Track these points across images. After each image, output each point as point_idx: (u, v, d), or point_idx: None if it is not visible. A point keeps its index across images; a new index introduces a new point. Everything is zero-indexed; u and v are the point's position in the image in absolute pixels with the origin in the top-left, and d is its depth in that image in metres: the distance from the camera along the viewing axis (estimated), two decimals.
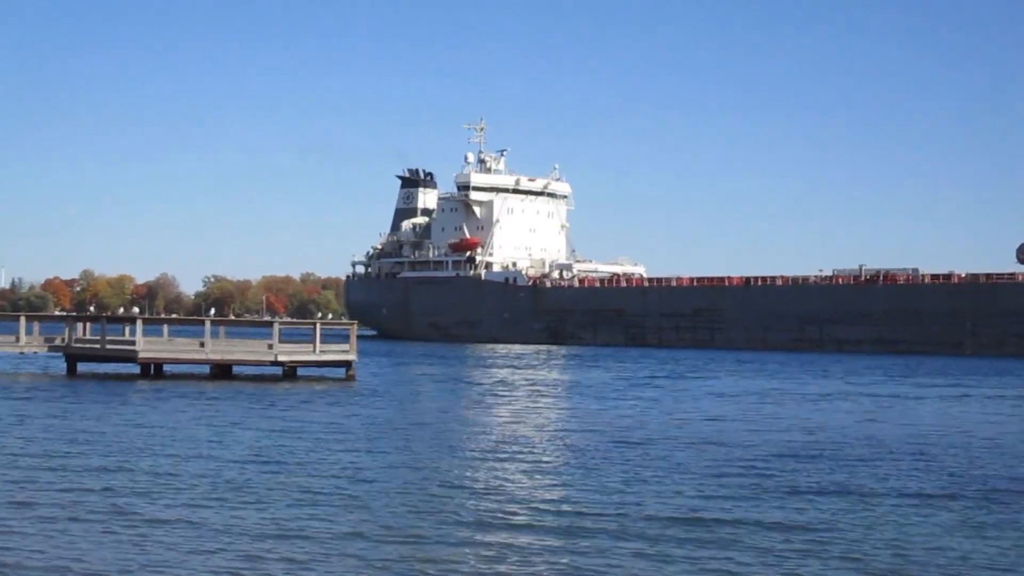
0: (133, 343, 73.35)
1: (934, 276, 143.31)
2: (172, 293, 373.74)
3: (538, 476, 33.60)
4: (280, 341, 75.45)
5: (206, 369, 74.65)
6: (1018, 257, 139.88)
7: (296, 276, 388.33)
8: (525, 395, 66.38)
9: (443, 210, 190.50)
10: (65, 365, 78.14)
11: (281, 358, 73.92)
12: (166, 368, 75.10)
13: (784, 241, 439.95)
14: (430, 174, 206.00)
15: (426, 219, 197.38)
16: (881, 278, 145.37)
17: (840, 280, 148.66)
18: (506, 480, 32.81)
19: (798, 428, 47.81)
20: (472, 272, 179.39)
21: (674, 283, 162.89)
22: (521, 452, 39.02)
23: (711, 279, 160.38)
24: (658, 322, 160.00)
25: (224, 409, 53.09)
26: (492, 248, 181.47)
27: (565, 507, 28.15)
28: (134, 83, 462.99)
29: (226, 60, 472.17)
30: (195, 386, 66.49)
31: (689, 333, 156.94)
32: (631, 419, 50.91)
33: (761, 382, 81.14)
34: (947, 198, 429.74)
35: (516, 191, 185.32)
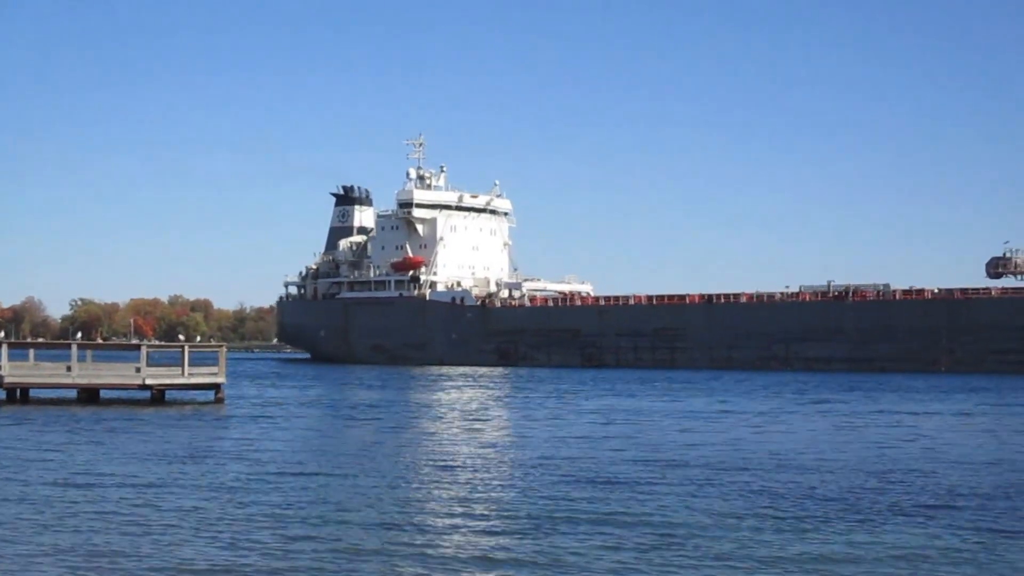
0: None
1: (906, 292, 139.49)
2: (39, 317, 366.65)
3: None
4: (148, 364, 74.74)
5: (73, 393, 73.95)
6: (988, 272, 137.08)
7: (164, 298, 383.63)
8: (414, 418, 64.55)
9: (383, 228, 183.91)
10: None
11: (149, 381, 73.37)
12: (32, 393, 74.00)
13: (745, 258, 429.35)
14: (366, 191, 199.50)
15: (363, 237, 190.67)
16: (850, 294, 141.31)
17: (808, 297, 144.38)
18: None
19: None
20: (416, 292, 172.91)
21: (632, 301, 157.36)
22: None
23: (671, 297, 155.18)
24: (615, 342, 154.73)
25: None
26: (436, 267, 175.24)
27: None
28: (14, 104, 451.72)
29: (105, 59, 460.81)
30: (61, 411, 65.89)
31: (648, 353, 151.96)
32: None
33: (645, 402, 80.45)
34: (915, 213, 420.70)
35: (459, 208, 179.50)
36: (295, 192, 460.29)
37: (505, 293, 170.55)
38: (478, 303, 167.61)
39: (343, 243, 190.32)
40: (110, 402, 73.24)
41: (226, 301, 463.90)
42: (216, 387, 75.97)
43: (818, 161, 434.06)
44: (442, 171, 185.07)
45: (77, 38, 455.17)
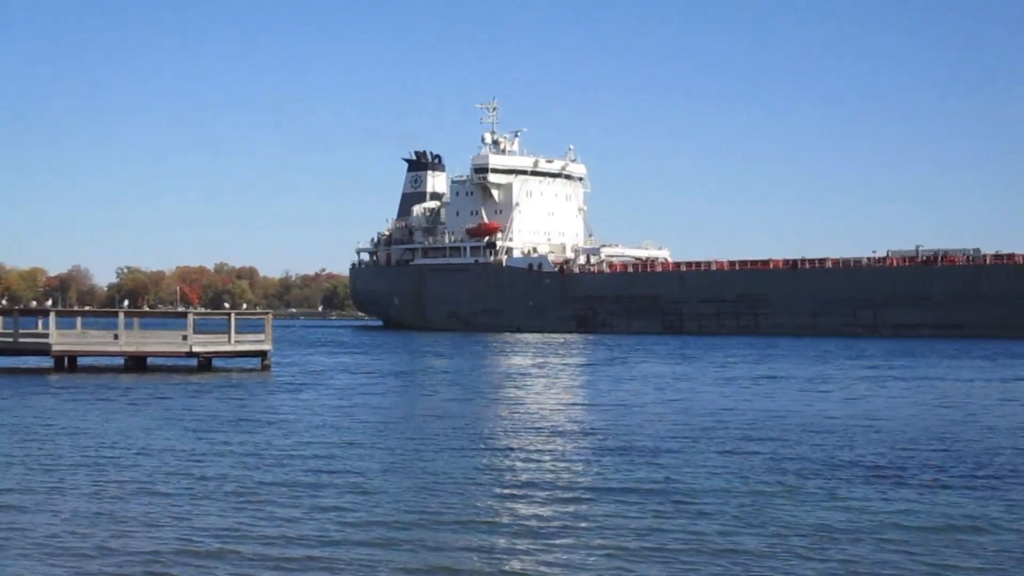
0: (47, 336, 72.62)
1: (996, 256, 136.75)
2: (85, 285, 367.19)
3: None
4: (195, 332, 74.57)
5: (120, 361, 74.25)
6: None
7: (210, 266, 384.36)
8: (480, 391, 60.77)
9: (457, 194, 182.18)
10: None
11: (196, 349, 73.35)
12: (80, 361, 74.27)
13: (829, 223, 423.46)
14: (438, 156, 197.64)
15: (437, 203, 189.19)
16: (939, 259, 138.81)
17: (895, 262, 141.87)
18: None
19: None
20: (492, 258, 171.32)
21: (714, 267, 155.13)
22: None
23: (754, 262, 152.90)
24: (697, 308, 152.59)
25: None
26: (512, 233, 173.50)
27: None
28: (49, 70, 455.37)
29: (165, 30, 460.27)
30: (109, 379, 65.73)
31: (731, 320, 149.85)
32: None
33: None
34: (1006, 176, 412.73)
35: (535, 173, 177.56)
36: (355, 158, 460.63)
37: (583, 259, 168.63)
38: (555, 269, 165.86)
39: (417, 209, 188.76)
40: (157, 369, 73.94)
41: (272, 268, 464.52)
42: (263, 354, 76.05)
43: (906, 123, 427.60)
44: (516, 136, 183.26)
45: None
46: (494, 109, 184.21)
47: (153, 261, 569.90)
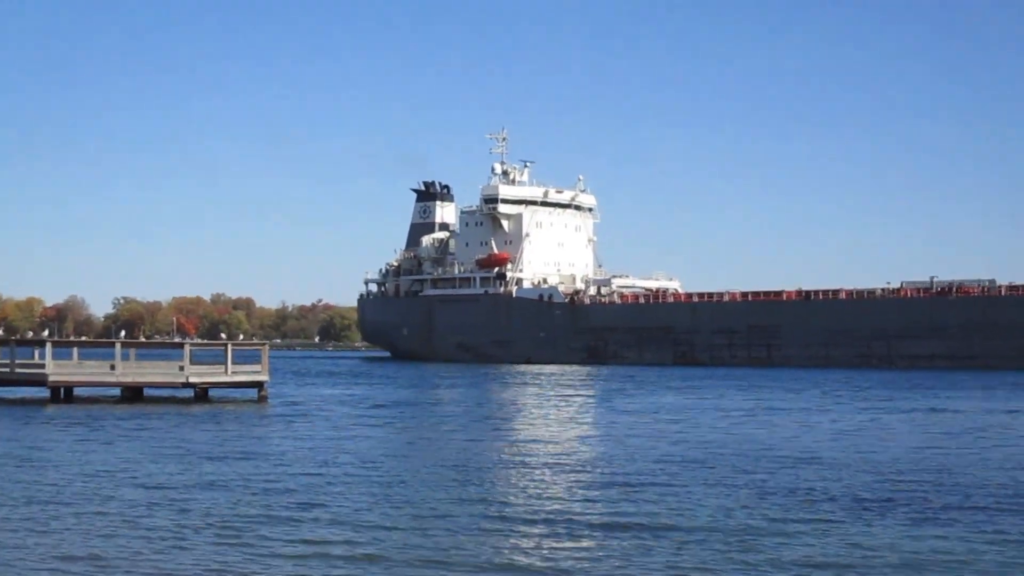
0: (43, 366, 72.22)
1: (1012, 287, 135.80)
2: (82, 315, 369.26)
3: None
4: (191, 362, 74.38)
5: (117, 392, 74.25)
6: None
7: (207, 297, 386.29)
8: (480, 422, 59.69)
9: (467, 224, 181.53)
10: None
11: (193, 379, 73.27)
12: (76, 391, 73.60)
13: (840, 254, 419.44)
14: (447, 187, 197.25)
15: (446, 234, 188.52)
16: (954, 290, 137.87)
17: (909, 293, 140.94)
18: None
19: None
20: (503, 289, 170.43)
21: (726, 298, 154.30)
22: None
23: (766, 293, 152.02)
24: (709, 339, 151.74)
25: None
26: (522, 263, 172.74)
27: None
28: (45, 96, 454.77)
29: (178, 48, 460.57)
30: (105, 409, 65.31)
31: (743, 351, 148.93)
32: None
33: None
34: (1020, 206, 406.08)
35: (545, 203, 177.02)
36: (357, 188, 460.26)
37: (593, 290, 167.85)
38: (566, 300, 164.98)
39: (426, 239, 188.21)
40: (154, 400, 73.50)
41: (269, 299, 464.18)
42: (259, 385, 75.61)
43: (920, 152, 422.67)
44: (526, 166, 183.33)
45: (125, 19, 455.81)
46: (503, 139, 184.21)
47: (149, 292, 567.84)
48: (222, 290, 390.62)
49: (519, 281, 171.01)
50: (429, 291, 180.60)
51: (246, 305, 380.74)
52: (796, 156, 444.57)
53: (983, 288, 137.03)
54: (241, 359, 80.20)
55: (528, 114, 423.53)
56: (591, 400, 79.40)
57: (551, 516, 28.85)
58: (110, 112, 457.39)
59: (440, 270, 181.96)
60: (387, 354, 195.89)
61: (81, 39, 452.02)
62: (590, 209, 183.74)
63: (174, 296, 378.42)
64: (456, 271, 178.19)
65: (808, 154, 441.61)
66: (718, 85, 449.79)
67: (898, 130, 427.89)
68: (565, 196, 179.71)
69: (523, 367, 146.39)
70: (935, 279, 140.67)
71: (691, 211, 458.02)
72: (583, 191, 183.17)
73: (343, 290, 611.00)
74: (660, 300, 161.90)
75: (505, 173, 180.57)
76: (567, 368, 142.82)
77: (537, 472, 38.09)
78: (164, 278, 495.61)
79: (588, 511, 29.68)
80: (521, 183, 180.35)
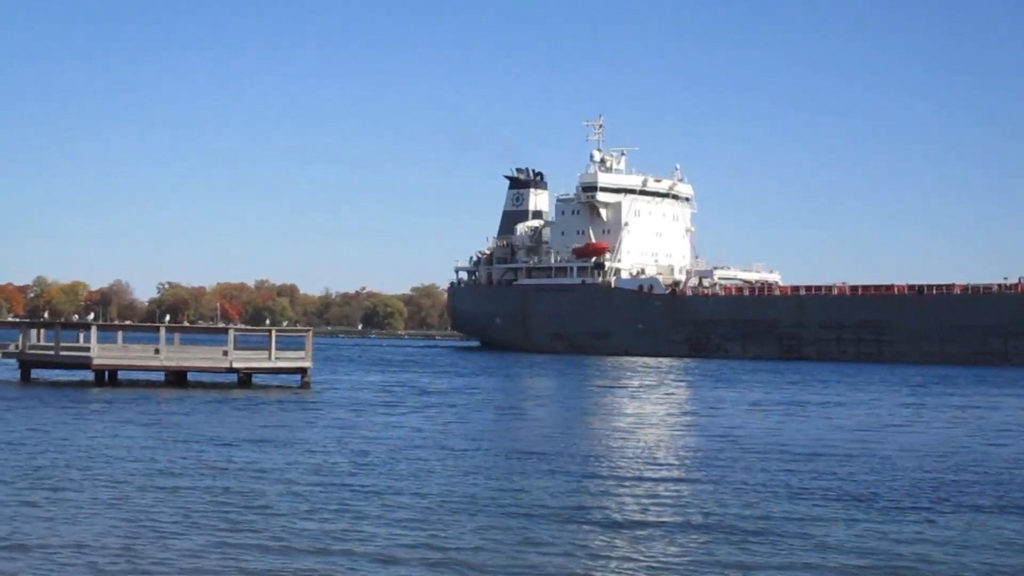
0: (88, 350, 73.05)
1: None
2: (126, 300, 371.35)
3: None
4: (235, 348, 75.05)
5: (161, 376, 74.59)
6: None
7: (251, 283, 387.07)
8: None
9: (563, 212, 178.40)
10: (19, 372, 77.94)
11: (236, 365, 73.63)
12: (120, 375, 75.40)
13: (953, 248, 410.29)
14: (540, 174, 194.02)
15: (540, 222, 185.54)
16: None
17: None
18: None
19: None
20: (601, 279, 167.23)
21: (835, 291, 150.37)
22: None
23: (877, 287, 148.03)
24: (817, 334, 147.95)
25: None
26: (621, 253, 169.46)
27: None
28: (95, 87, 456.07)
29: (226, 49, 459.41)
30: (149, 393, 66.67)
31: (853, 346, 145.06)
32: None
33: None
34: None
35: (643, 192, 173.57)
36: (406, 175, 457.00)
37: (694, 281, 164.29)
38: (667, 291, 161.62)
39: (520, 227, 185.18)
40: (197, 385, 73.85)
41: (312, 286, 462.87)
42: (303, 371, 76.09)
43: None
44: (623, 154, 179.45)
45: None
46: (600, 126, 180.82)
47: (194, 277, 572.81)
48: (266, 276, 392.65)
49: (617, 271, 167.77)
50: (523, 280, 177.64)
51: (290, 292, 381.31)
52: (904, 145, 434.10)
53: None
54: (286, 345, 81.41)
55: (624, 101, 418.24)
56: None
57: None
58: (159, 95, 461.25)
59: (535, 259, 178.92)
60: (477, 343, 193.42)
61: (130, 16, 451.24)
62: (687, 199, 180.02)
63: (218, 282, 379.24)
64: (552, 260, 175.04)
65: (918, 143, 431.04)
66: (819, 72, 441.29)
67: (1014, 116, 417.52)
68: (663, 185, 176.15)
69: (621, 359, 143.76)
70: None
71: (791, 202, 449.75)
72: (681, 180, 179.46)
73: (388, 278, 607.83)
74: (765, 293, 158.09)
75: (602, 161, 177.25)
76: (667, 361, 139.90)
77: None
78: (208, 264, 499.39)
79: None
80: (618, 171, 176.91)
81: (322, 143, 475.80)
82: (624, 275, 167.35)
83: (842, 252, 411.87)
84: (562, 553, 23.93)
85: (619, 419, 57.47)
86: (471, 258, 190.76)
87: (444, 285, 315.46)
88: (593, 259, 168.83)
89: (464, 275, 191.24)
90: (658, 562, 23.31)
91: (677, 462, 39.23)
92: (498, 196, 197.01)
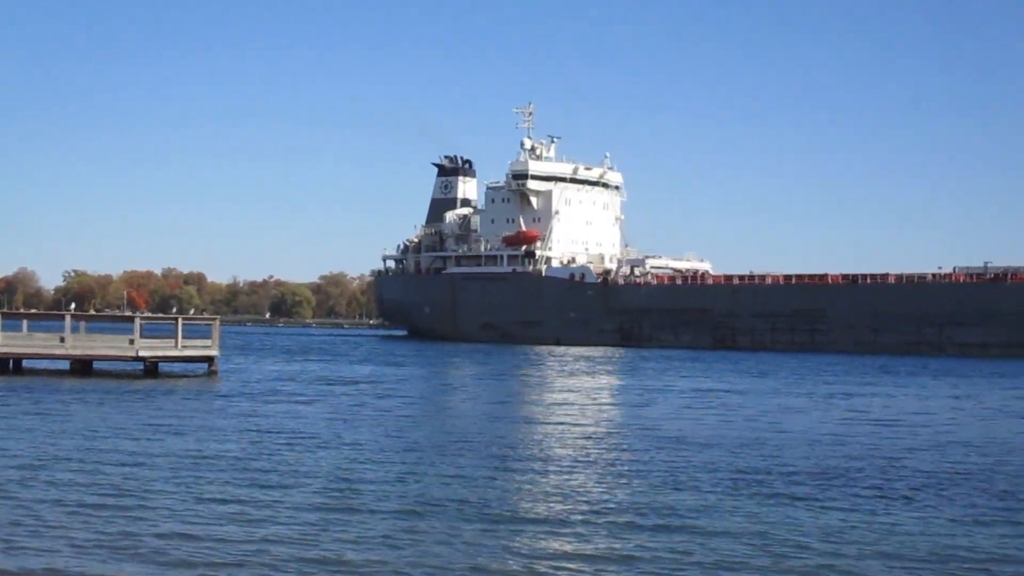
0: None
1: None
2: (31, 288, 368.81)
3: None
4: (142, 336, 74.73)
5: (66, 364, 74.07)
6: None
7: (158, 271, 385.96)
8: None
9: (492, 200, 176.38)
10: None
11: (143, 353, 73.55)
12: (25, 363, 75.00)
13: (886, 239, 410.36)
14: (468, 161, 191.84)
15: (469, 210, 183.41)
16: (1009, 276, 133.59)
17: (962, 278, 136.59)
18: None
19: None
20: (531, 268, 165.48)
21: (768, 280, 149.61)
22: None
23: (811, 276, 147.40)
24: (750, 323, 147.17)
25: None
26: (551, 242, 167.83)
27: None
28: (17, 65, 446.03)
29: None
30: (53, 382, 66.00)
31: (786, 336, 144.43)
32: None
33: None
34: None
35: (573, 180, 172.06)
36: (306, 165, 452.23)
37: (626, 270, 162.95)
38: (598, 280, 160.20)
39: (449, 215, 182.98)
40: (103, 374, 73.33)
41: (220, 274, 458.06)
42: (209, 360, 76.53)
43: (973, 133, 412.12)
44: (552, 142, 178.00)
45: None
46: (530, 114, 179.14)
47: (101, 265, 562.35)
48: (173, 264, 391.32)
49: (548, 260, 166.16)
50: (453, 268, 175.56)
51: (197, 280, 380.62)
52: (837, 134, 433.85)
53: None
54: (193, 334, 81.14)
55: (553, 89, 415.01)
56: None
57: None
58: (70, 81, 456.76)
59: (464, 247, 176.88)
60: (403, 332, 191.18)
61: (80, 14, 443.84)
62: (617, 187, 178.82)
63: (125, 270, 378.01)
64: (482, 248, 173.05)
65: (851, 132, 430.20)
66: (748, 58, 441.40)
67: (948, 110, 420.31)
68: (594, 173, 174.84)
69: (552, 348, 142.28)
70: (989, 264, 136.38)
71: (721, 191, 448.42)
72: (610, 168, 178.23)
73: (296, 267, 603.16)
74: (698, 282, 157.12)
75: (532, 149, 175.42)
76: (598, 350, 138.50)
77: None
78: (115, 252, 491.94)
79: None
80: (548, 159, 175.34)
81: (238, 132, 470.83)
82: (555, 264, 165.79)
83: (774, 242, 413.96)
84: (440, 542, 23.79)
85: (525, 407, 57.57)
86: (398, 246, 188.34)
87: (354, 274, 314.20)
88: (524, 247, 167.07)
89: (391, 264, 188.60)
90: (539, 552, 23.13)
91: (573, 452, 38.73)
92: (424, 184, 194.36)
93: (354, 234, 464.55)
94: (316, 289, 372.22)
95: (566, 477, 32.82)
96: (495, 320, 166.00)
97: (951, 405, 60.73)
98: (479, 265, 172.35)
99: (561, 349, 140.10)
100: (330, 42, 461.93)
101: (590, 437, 42.96)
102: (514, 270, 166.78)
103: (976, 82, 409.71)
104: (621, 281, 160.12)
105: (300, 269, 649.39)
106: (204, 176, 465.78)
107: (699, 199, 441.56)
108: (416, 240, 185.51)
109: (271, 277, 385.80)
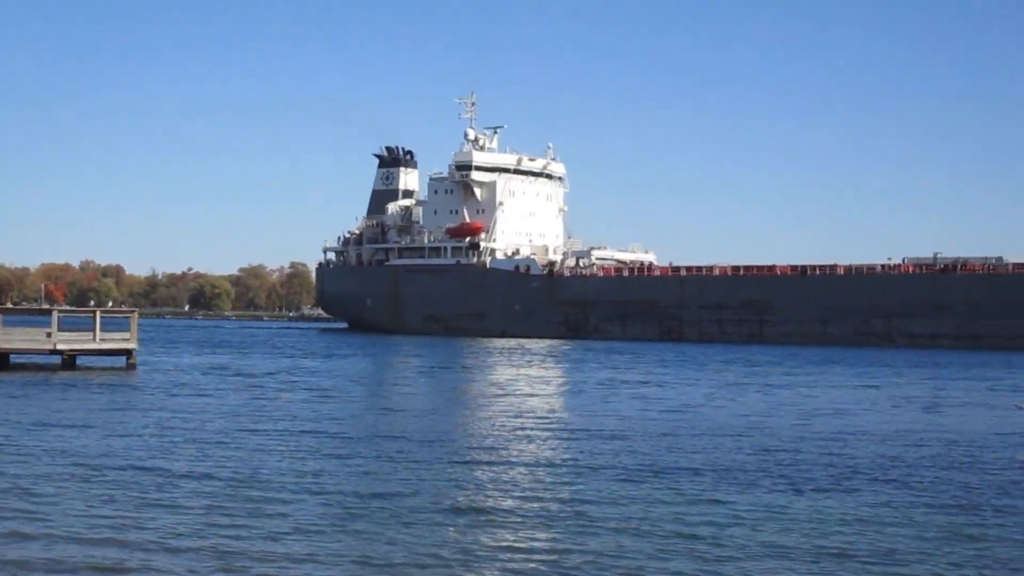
0: None
1: (1020, 265, 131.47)
2: None
3: None
4: (60, 329, 73.76)
5: None
6: None
7: (75, 264, 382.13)
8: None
9: (435, 191, 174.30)
10: None
11: (60, 346, 72.75)
12: None
13: (835, 230, 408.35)
14: (410, 152, 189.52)
15: (412, 201, 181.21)
16: (959, 267, 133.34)
17: (911, 269, 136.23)
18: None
19: None
20: (476, 259, 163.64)
21: (716, 271, 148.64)
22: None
23: (759, 267, 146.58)
24: (698, 315, 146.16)
25: None
26: (496, 233, 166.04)
27: None
28: None
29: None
30: None
31: (734, 327, 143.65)
32: None
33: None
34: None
35: (517, 171, 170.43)
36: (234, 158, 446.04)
37: (571, 262, 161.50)
38: (544, 272, 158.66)
39: (392, 207, 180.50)
40: (20, 367, 73.16)
41: (138, 267, 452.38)
42: (128, 352, 75.69)
43: (923, 124, 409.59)
44: (495, 132, 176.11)
45: None
46: (472, 104, 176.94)
47: (17, 258, 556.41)
48: (91, 257, 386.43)
49: (492, 252, 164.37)
50: (396, 260, 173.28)
51: (115, 272, 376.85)
52: (784, 124, 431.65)
53: (989, 266, 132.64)
54: (111, 327, 79.99)
55: (493, 80, 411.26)
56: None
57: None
58: None
59: (407, 239, 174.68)
60: (344, 325, 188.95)
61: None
62: (560, 178, 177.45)
63: (42, 263, 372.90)
64: (425, 240, 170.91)
65: (799, 122, 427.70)
66: (691, 47, 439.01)
67: (900, 100, 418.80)
68: (537, 164, 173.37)
69: (496, 340, 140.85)
70: (939, 255, 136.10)
71: (663, 182, 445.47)
72: (553, 159, 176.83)
73: (215, 259, 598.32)
74: (645, 273, 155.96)
75: (476, 140, 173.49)
76: (543, 342, 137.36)
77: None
78: (32, 244, 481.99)
79: None
80: (491, 150, 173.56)
81: (162, 124, 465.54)
82: (499, 255, 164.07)
83: (720, 233, 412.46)
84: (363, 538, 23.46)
85: (442, 401, 57.25)
86: (339, 238, 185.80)
87: (272, 266, 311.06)
88: (468, 239, 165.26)
89: (332, 256, 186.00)
90: (449, 545, 23.00)
91: (497, 445, 38.58)
92: (364, 176, 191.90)
93: (274, 227, 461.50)
94: (235, 281, 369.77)
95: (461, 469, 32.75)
96: (439, 312, 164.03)
97: (854, 397, 60.59)
98: (422, 257, 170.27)
99: (503, 342, 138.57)
100: (266, 31, 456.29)
101: (485, 431, 42.55)
102: (458, 262, 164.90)
103: (922, 73, 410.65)
104: (567, 273, 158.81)
105: (219, 261, 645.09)
106: (122, 168, 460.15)
107: (641, 190, 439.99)
108: (358, 232, 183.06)
109: (190, 269, 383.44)
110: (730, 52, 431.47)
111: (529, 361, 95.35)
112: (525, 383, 68.46)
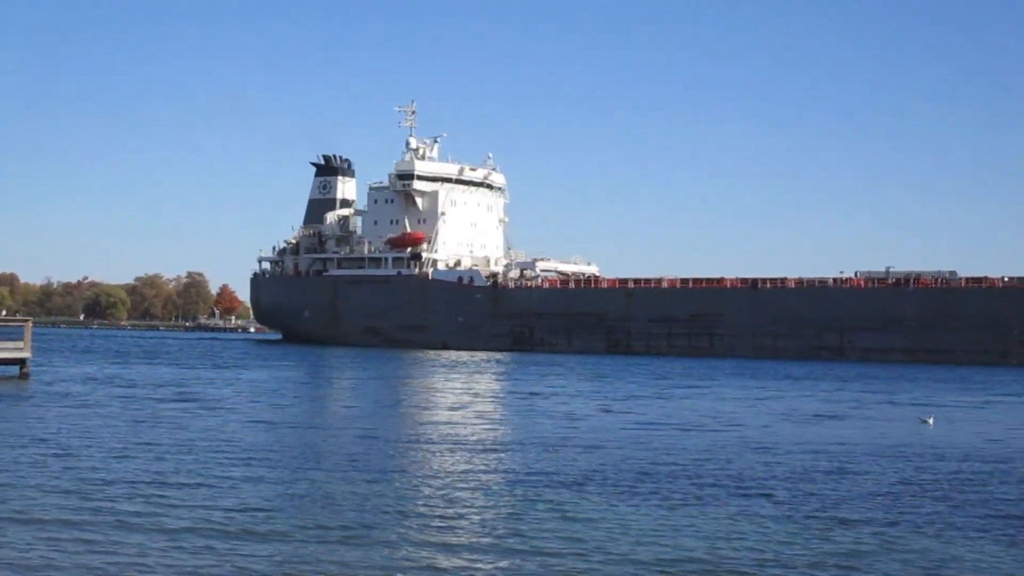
0: None
1: (973, 280, 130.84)
2: None
3: None
4: None
5: None
6: None
7: None
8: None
9: (375, 201, 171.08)
10: None
11: None
12: None
13: (783, 244, 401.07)
14: (347, 161, 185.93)
15: (351, 211, 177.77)
16: (912, 281, 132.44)
17: (863, 283, 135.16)
18: None
19: None
20: (417, 270, 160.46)
21: (665, 284, 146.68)
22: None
23: (708, 280, 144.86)
24: (646, 327, 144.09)
25: None
26: (437, 244, 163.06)
27: None
28: None
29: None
30: None
31: (683, 340, 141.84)
32: None
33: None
34: (982, 197, 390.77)
35: (459, 181, 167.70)
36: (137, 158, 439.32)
37: (515, 273, 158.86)
38: (488, 283, 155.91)
39: (330, 216, 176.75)
40: None
41: (32, 275, 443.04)
42: (21, 362, 74.48)
43: (877, 138, 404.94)
44: (436, 141, 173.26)
45: None
46: (412, 112, 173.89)
47: None
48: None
49: (434, 262, 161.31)
50: (335, 271, 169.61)
51: (9, 281, 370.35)
52: (732, 134, 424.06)
53: (942, 280, 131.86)
54: (3, 336, 79.02)
55: (432, 88, 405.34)
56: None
57: None
58: None
59: (346, 249, 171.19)
60: (278, 336, 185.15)
61: None
62: (501, 188, 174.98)
63: None
64: (365, 250, 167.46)
65: (748, 133, 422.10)
66: (633, 58, 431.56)
67: (854, 113, 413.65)
68: (479, 174, 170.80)
69: (438, 353, 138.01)
70: (891, 269, 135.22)
71: (605, 193, 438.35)
72: (494, 169, 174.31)
73: (111, 268, 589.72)
74: (592, 285, 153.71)
75: (416, 149, 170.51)
76: (487, 355, 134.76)
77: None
78: None
79: None
80: (431, 159, 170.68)
81: (71, 125, 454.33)
82: (441, 266, 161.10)
83: (665, 245, 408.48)
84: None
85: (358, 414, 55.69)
86: (274, 248, 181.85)
87: (169, 276, 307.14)
88: (409, 250, 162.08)
89: (267, 265, 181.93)
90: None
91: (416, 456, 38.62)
92: (300, 185, 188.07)
93: (171, 235, 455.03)
94: (131, 291, 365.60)
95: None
96: (379, 324, 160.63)
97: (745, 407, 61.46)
98: (362, 268, 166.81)
99: (444, 354, 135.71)
100: (200, 34, 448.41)
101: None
102: (399, 273, 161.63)
103: (875, 86, 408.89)
104: (511, 284, 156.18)
105: (115, 271, 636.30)
106: (16, 174, 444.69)
107: (582, 201, 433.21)
108: (294, 241, 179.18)
109: (85, 278, 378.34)
110: (672, 61, 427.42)
111: (452, 376, 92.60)
112: (425, 396, 68.91)
